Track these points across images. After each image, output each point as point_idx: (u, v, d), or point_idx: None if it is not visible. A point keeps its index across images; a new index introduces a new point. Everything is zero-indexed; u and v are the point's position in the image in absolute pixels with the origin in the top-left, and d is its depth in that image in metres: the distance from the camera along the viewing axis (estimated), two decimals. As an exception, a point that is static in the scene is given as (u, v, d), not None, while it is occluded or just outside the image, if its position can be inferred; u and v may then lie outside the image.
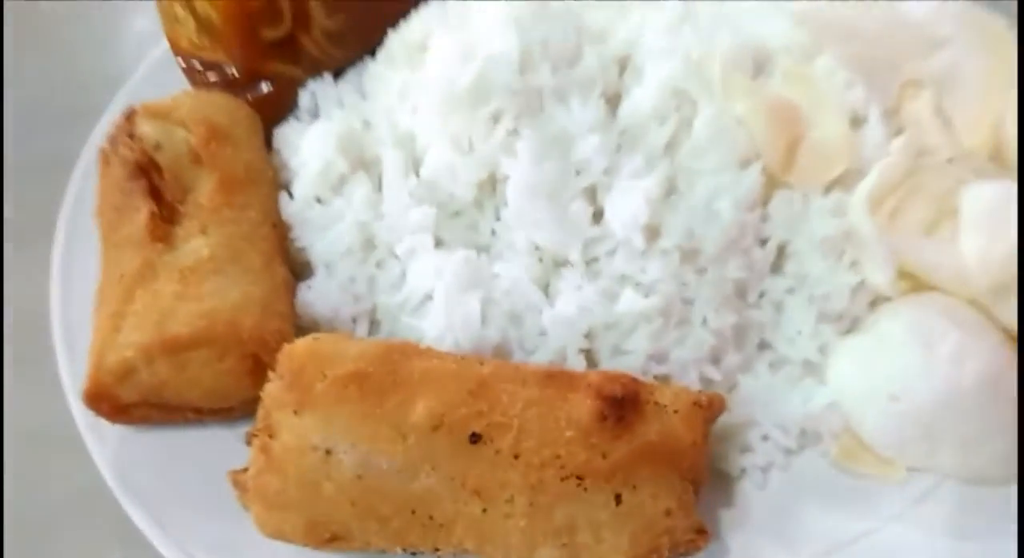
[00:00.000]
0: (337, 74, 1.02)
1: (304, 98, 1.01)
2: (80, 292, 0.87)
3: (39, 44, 1.32)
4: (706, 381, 0.82)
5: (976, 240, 0.80)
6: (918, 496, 0.77)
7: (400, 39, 0.99)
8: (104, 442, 0.78)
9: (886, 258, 0.81)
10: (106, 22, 1.34)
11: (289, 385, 0.69)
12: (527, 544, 0.67)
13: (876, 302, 0.85)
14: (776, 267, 0.87)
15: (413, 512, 0.67)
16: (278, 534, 0.69)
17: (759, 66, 0.97)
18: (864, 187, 0.83)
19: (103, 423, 0.78)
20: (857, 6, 0.97)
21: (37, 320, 0.91)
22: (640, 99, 0.87)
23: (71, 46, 1.32)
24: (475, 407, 0.68)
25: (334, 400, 0.68)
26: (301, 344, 0.72)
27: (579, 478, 0.67)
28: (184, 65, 1.00)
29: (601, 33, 0.92)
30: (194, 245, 0.81)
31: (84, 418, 0.79)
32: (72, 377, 0.82)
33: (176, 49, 1.02)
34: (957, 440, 0.76)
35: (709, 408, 0.71)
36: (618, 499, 0.67)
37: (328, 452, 0.67)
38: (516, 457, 0.67)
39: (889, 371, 0.78)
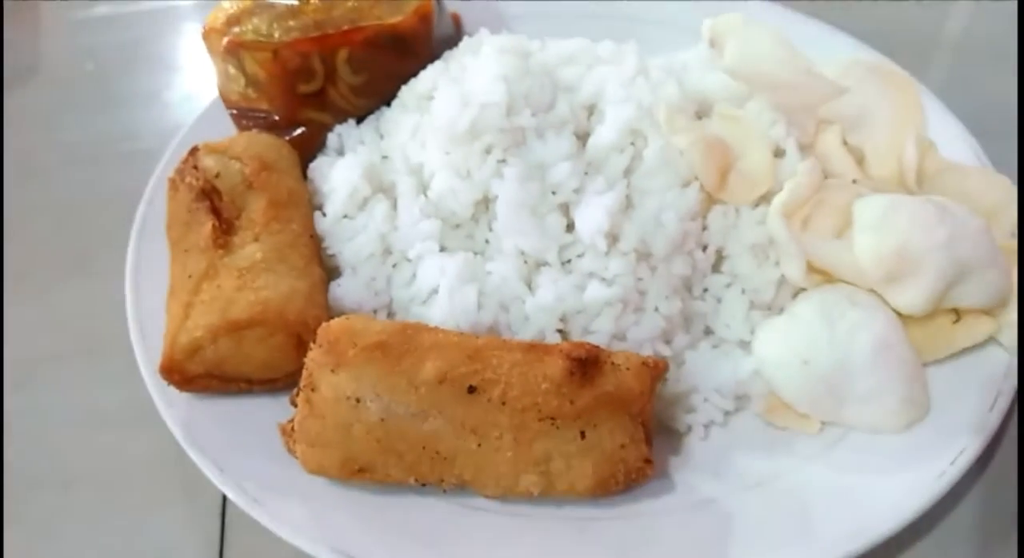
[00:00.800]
0: (359, 120, 1.20)
1: (332, 139, 1.19)
2: (148, 294, 1.02)
3: (101, 100, 1.54)
4: (659, 356, 0.96)
5: (867, 241, 0.97)
6: (829, 443, 0.93)
7: (411, 90, 1.17)
8: (173, 406, 0.94)
9: (796, 256, 0.97)
10: (155, 82, 1.57)
11: (327, 351, 0.85)
12: (513, 472, 0.83)
13: (798, 294, 1.02)
14: (716, 267, 1.04)
15: (423, 448, 0.83)
16: (318, 469, 0.85)
17: (703, 110, 1.18)
18: (778, 200, 1.00)
19: (172, 392, 0.94)
20: (780, 62, 1.19)
21: (107, 320, 1.08)
22: (603, 135, 1.03)
23: (127, 101, 1.54)
24: (472, 367, 0.84)
25: (362, 362, 0.84)
26: (336, 322, 0.88)
27: (552, 419, 0.82)
28: (235, 112, 1.20)
29: (572, 85, 1.10)
30: (249, 251, 0.96)
31: (157, 389, 0.95)
32: (145, 360, 0.98)
33: (227, 100, 1.21)
34: (856, 397, 0.92)
35: (655, 368, 0.87)
36: (583, 435, 0.83)
37: (358, 401, 0.83)
38: (504, 404, 0.82)
39: (800, 342, 0.93)
